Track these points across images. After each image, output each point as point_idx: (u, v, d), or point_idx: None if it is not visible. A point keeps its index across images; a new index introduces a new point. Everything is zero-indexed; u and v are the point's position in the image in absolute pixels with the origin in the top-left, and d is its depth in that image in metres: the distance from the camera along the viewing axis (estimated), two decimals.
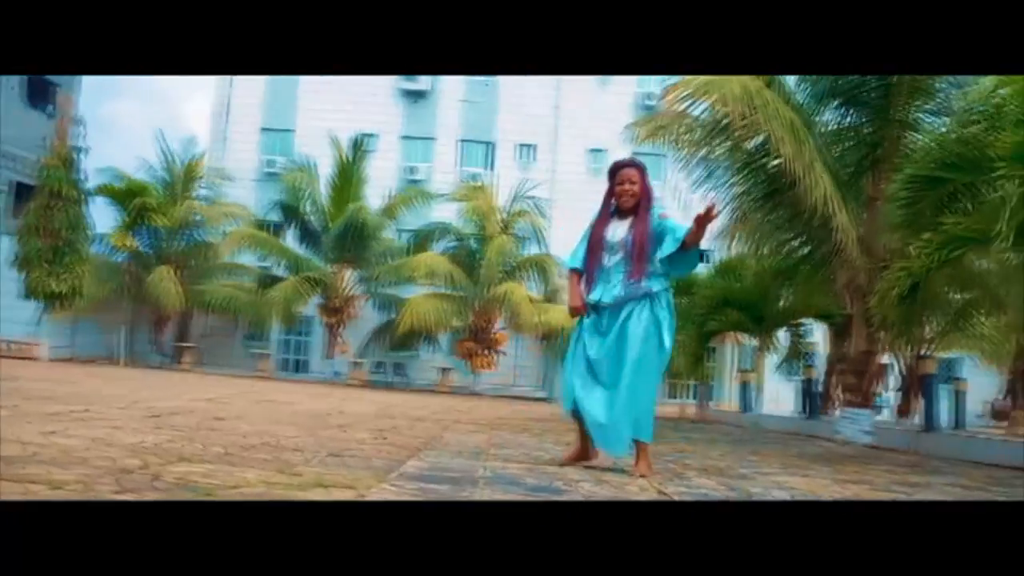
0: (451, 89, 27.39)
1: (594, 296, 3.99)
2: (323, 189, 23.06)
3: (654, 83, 27.53)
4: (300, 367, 25.68)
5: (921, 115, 8.02)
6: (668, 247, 3.85)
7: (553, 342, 22.48)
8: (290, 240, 23.86)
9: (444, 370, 22.43)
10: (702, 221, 3.69)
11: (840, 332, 13.02)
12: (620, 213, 4.01)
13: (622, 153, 23.35)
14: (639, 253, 3.87)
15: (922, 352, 11.56)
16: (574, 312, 4.14)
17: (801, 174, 6.90)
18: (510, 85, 27.09)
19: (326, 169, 23.15)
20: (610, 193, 4.08)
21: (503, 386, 23.11)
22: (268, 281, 22.57)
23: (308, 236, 23.31)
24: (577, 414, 4.00)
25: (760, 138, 7.35)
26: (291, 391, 13.30)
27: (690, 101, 7.07)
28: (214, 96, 27.90)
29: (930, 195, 5.87)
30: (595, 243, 4.03)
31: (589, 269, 4.06)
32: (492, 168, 27.37)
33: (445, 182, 25.60)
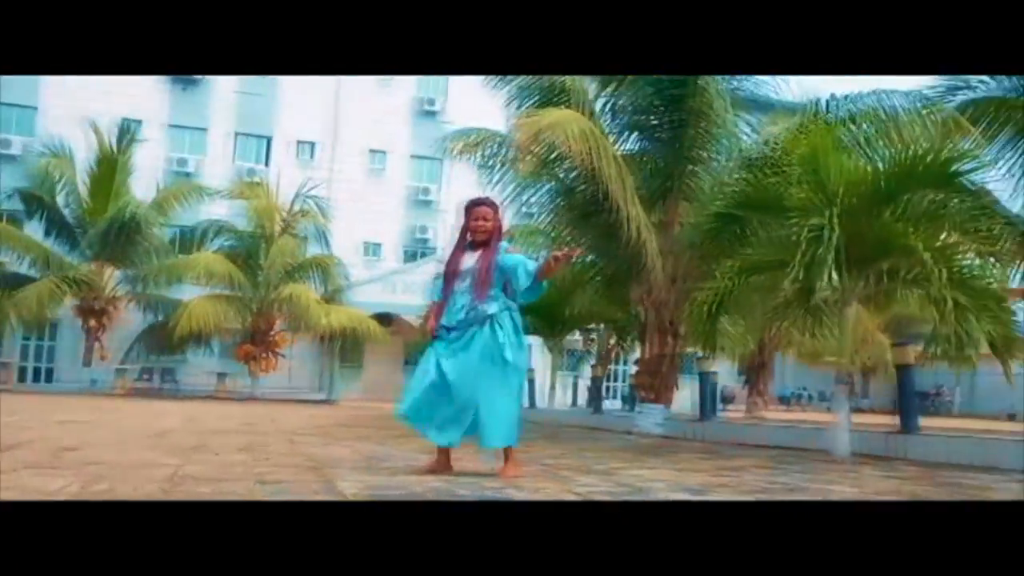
0: (224, 78, 26.02)
1: (443, 320, 4.39)
2: (80, 177, 20.85)
3: (434, 88, 28.29)
4: (45, 376, 23.06)
5: (707, 153, 9.44)
6: (523, 280, 4.26)
7: (335, 343, 22.41)
8: (32, 233, 21.24)
9: (220, 375, 21.41)
10: (558, 263, 4.21)
11: (626, 336, 14.63)
12: (473, 246, 4.42)
13: (402, 154, 23.79)
14: (482, 280, 4.27)
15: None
16: (427, 332, 4.58)
17: (621, 203, 7.91)
18: (288, 79, 26.33)
19: (81, 155, 20.98)
20: (465, 228, 4.47)
21: (282, 389, 22.55)
22: (8, 280, 19.96)
23: (58, 229, 20.93)
24: (414, 421, 4.41)
25: (583, 168, 8.23)
26: (65, 406, 12.14)
27: (540, 137, 7.75)
28: None
29: (731, 228, 7.10)
30: (449, 274, 4.43)
31: (445, 298, 4.43)
32: (268, 164, 26.45)
33: (218, 176, 24.32)
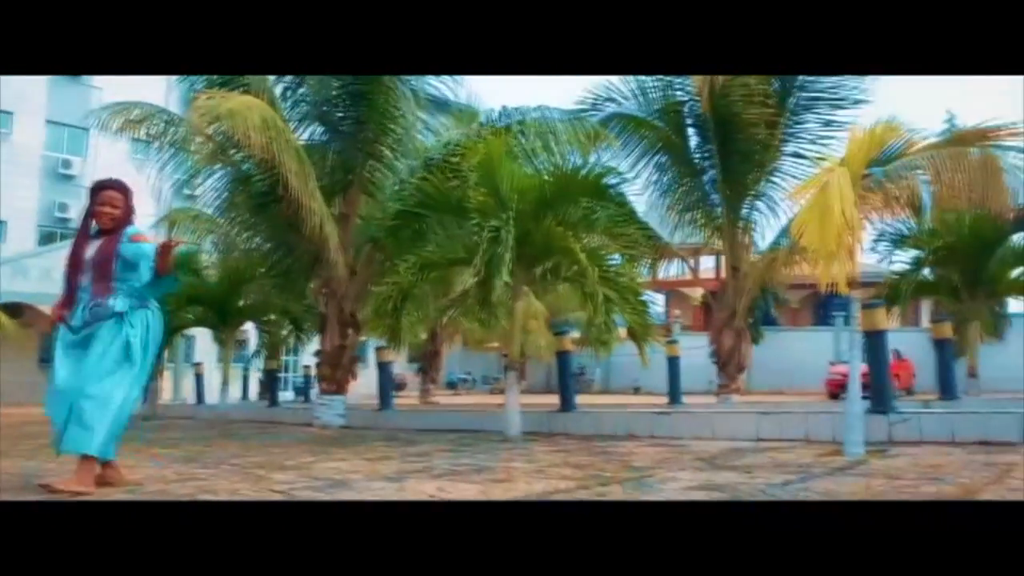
0: None
1: (69, 319, 3.94)
2: None
3: None
4: None
5: (388, 151, 9.67)
6: (145, 274, 3.97)
7: None
8: None
9: None
10: (163, 252, 3.92)
11: (302, 328, 14.36)
12: (99, 233, 4.04)
13: (36, 118, 20.51)
14: (102, 272, 3.92)
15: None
16: (53, 320, 4.07)
17: (302, 196, 7.83)
18: None
19: None
20: (89, 213, 4.07)
21: None
22: None
23: None
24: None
25: (262, 158, 7.96)
26: None
27: (217, 122, 7.28)
28: None
29: (411, 226, 7.42)
30: (72, 265, 4.00)
31: (70, 291, 3.98)
32: None
33: None
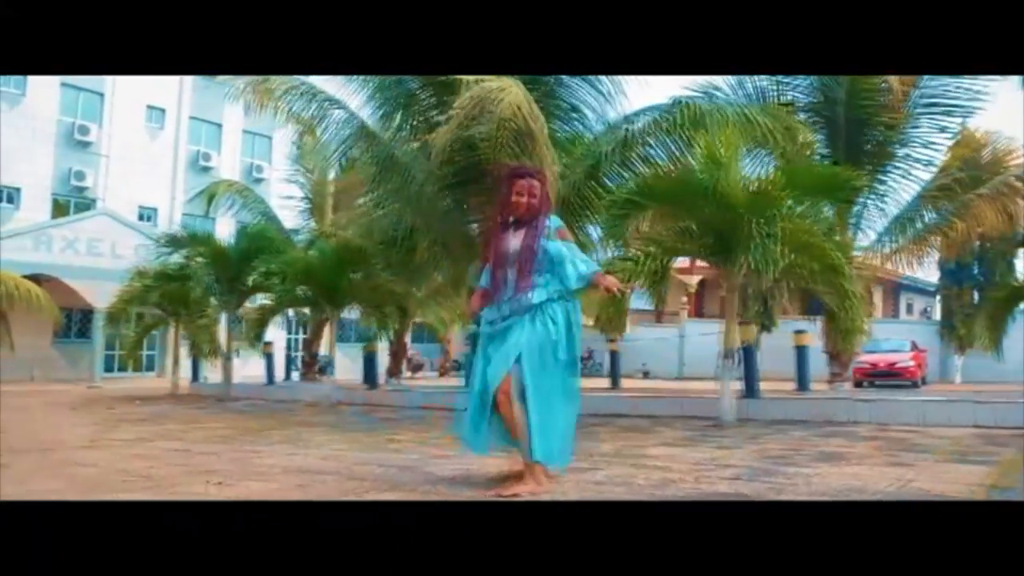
0: None
1: (487, 314, 3.84)
2: None
3: None
4: None
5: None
6: (573, 281, 3.72)
7: None
8: None
9: None
10: (600, 286, 3.73)
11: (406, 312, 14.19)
12: (516, 224, 3.85)
13: (49, 83, 19.55)
14: (525, 265, 3.72)
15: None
16: (471, 313, 4.03)
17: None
18: None
19: None
20: (505, 202, 3.87)
21: None
22: None
23: None
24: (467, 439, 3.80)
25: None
26: None
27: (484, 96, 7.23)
28: None
29: (631, 214, 7.51)
30: (495, 258, 3.84)
31: (494, 286, 3.84)
32: None
33: None
